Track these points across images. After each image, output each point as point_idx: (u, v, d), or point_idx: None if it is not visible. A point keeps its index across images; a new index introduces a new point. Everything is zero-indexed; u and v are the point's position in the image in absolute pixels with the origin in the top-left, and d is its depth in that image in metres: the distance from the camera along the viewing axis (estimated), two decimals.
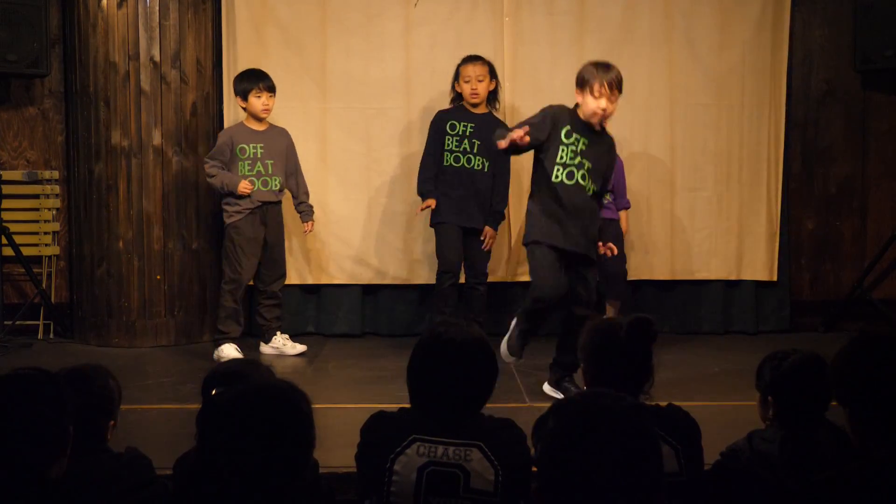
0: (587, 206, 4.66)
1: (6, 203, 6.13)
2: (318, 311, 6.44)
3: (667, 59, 6.33)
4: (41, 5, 6.10)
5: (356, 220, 6.33)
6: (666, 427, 2.60)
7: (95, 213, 6.08)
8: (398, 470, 2.52)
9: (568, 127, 4.61)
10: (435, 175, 5.77)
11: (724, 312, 6.49)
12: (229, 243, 5.70)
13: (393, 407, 2.71)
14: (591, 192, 4.66)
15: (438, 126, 5.81)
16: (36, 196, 6.36)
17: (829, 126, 6.55)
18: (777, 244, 6.46)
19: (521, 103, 6.15)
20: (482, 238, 5.77)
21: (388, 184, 6.31)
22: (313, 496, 2.46)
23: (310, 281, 6.35)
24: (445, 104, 5.92)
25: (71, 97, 6.20)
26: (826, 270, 6.62)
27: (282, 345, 5.85)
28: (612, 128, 4.90)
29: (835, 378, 2.31)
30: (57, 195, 6.36)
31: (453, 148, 5.75)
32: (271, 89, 5.70)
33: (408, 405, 2.66)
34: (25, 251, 6.19)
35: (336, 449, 3.07)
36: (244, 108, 5.73)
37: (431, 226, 5.86)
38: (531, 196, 4.74)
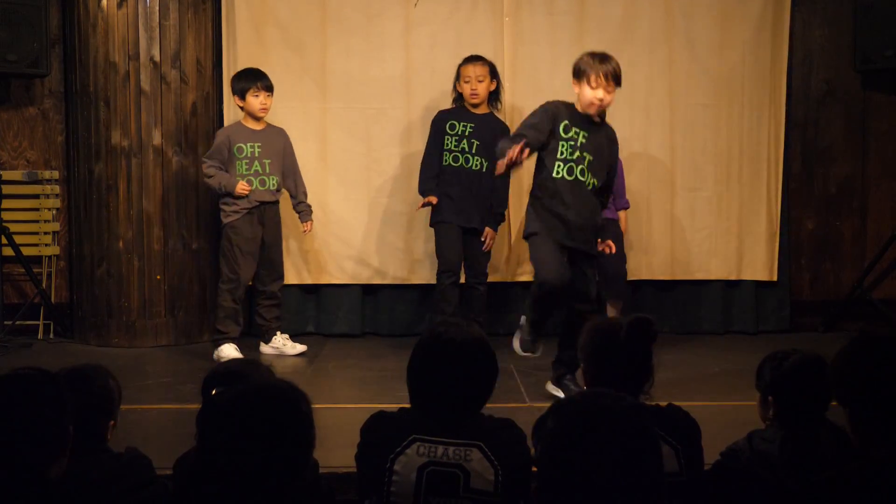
0: (588, 202, 4.66)
1: (6, 203, 6.13)
2: (318, 311, 6.44)
3: (667, 59, 6.33)
4: (41, 5, 6.10)
5: (356, 220, 6.33)
6: (666, 427, 2.60)
7: (95, 213, 6.08)
8: (398, 470, 2.52)
9: (566, 122, 4.61)
10: (436, 174, 5.78)
11: (724, 312, 6.49)
12: (227, 243, 5.69)
13: (393, 407, 2.71)
14: (591, 186, 4.65)
15: (439, 126, 5.81)
16: (36, 196, 6.36)
17: (829, 126, 6.55)
18: (777, 244, 6.46)
19: (521, 103, 6.15)
20: (483, 239, 5.77)
21: (389, 184, 6.31)
22: (313, 496, 2.46)
23: (310, 281, 6.35)
24: (445, 104, 5.93)
25: (71, 97, 6.21)
26: (826, 270, 6.62)
27: (282, 345, 5.85)
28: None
29: (835, 378, 2.31)
30: (57, 195, 6.36)
31: (452, 148, 5.75)
32: (269, 88, 5.70)
33: (408, 405, 2.66)
34: (25, 251, 6.19)
35: (336, 449, 3.07)
36: (242, 108, 5.73)
37: (431, 225, 5.86)
38: (532, 192, 4.74)
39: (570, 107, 4.68)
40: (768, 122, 6.40)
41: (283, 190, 5.83)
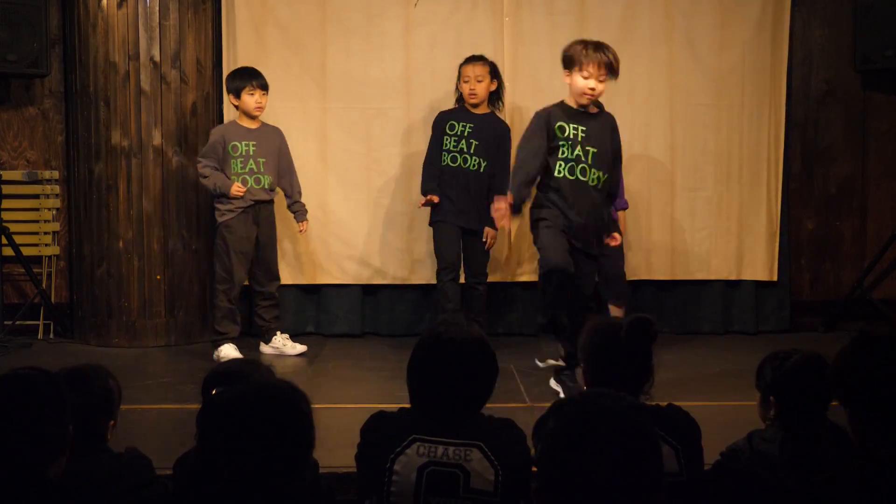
0: (591, 202, 4.66)
1: (6, 203, 6.13)
2: (318, 311, 6.44)
3: (667, 59, 6.33)
4: (41, 5, 6.10)
5: (356, 220, 6.33)
6: (666, 427, 2.60)
7: (95, 213, 6.08)
8: (398, 470, 2.52)
9: (561, 123, 4.61)
10: (438, 175, 5.77)
11: (724, 312, 6.49)
12: (221, 242, 5.68)
13: (393, 407, 2.71)
14: (596, 182, 4.65)
15: (439, 126, 5.82)
16: (36, 196, 6.36)
17: (829, 126, 6.55)
18: (777, 244, 6.46)
19: (521, 103, 6.15)
20: (483, 239, 5.77)
21: (389, 184, 6.31)
22: (313, 496, 2.46)
23: (309, 281, 6.35)
24: (445, 104, 5.93)
25: (71, 97, 6.20)
26: (826, 270, 6.62)
27: (282, 345, 5.85)
28: None
29: (835, 378, 2.31)
30: (57, 195, 6.36)
31: (451, 148, 5.75)
32: (264, 87, 5.69)
33: (408, 405, 2.66)
34: (25, 251, 6.19)
35: (336, 449, 3.07)
36: (237, 106, 5.72)
37: (430, 224, 5.86)
38: (538, 189, 4.75)
39: (561, 106, 4.67)
40: (768, 122, 6.40)
41: (278, 189, 5.83)
